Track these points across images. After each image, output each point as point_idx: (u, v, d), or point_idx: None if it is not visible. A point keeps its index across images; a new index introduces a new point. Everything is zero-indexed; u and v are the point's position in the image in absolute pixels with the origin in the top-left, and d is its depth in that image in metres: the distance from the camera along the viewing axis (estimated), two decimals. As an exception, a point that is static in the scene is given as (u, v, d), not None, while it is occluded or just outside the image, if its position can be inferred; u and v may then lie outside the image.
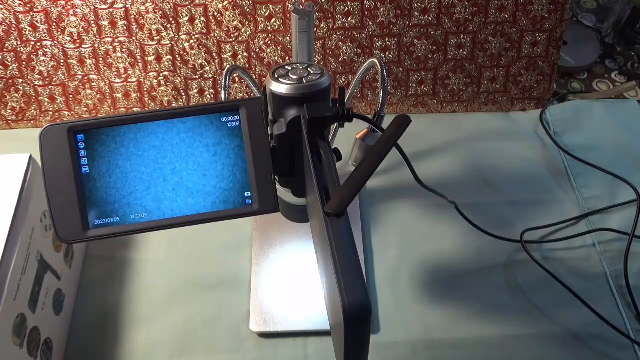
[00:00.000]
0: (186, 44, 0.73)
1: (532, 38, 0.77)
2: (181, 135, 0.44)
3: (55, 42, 0.72)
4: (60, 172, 0.42)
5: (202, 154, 0.44)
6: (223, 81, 0.52)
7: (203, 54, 0.74)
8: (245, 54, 0.75)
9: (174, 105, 0.78)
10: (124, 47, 0.73)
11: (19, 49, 0.73)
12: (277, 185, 0.53)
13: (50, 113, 0.77)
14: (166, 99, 0.77)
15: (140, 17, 0.71)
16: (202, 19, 0.72)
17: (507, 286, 0.64)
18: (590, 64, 0.88)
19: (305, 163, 0.44)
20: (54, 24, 0.71)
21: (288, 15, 0.72)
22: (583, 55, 0.88)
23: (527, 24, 0.76)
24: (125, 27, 0.72)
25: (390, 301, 0.63)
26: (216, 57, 0.75)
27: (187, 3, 0.71)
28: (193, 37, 0.73)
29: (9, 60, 0.73)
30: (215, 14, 0.72)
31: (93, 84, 0.75)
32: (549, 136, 0.78)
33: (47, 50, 0.73)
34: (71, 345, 0.59)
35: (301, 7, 0.52)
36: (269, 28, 0.73)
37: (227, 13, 0.72)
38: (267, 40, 0.74)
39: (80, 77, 0.75)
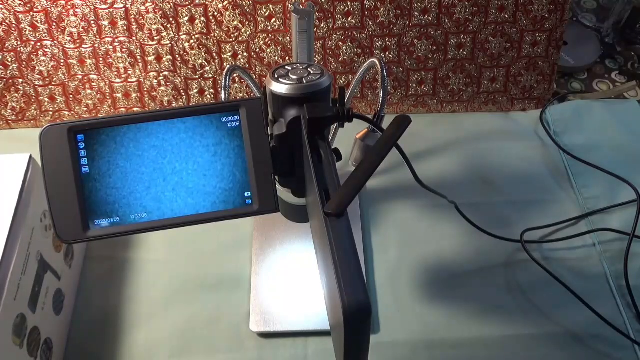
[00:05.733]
0: (186, 44, 0.73)
1: (532, 38, 0.77)
2: (181, 135, 0.44)
3: (55, 42, 0.72)
4: (60, 172, 0.42)
5: (202, 154, 0.44)
6: (223, 81, 0.52)
7: (203, 54, 0.74)
8: (245, 54, 0.75)
9: (174, 105, 0.78)
10: (124, 47, 0.73)
11: (19, 49, 0.73)
12: (277, 185, 0.53)
13: (50, 113, 0.77)
14: (166, 99, 0.77)
15: (140, 17, 0.71)
16: (202, 19, 0.72)
17: (507, 286, 0.64)
18: (590, 64, 0.88)
19: (305, 163, 0.44)
20: (54, 24, 0.71)
21: (288, 15, 0.72)
22: (583, 55, 0.88)
23: (527, 24, 0.76)
24: (125, 27, 0.72)
25: (390, 301, 0.63)
26: (216, 57, 0.75)
27: (187, 3, 0.71)
28: (193, 37, 0.73)
29: (9, 60, 0.73)
30: (215, 14, 0.72)
31: (93, 84, 0.75)
32: (549, 136, 0.78)
33: (47, 50, 0.73)
34: (71, 345, 0.59)
35: (301, 7, 0.52)
36: (269, 28, 0.73)
37: (227, 13, 0.72)
38: (267, 40, 0.74)
39: (80, 77, 0.75)
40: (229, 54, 0.75)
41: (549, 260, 0.66)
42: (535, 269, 0.64)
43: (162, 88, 0.76)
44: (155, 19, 0.72)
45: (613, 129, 0.80)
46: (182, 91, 0.77)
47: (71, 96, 0.76)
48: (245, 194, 0.45)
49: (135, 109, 0.78)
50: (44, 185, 0.42)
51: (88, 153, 0.43)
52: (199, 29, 0.73)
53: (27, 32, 0.72)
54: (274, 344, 0.60)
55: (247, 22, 0.73)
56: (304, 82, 0.46)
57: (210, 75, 0.76)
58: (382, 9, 0.73)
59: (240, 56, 0.75)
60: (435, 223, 0.70)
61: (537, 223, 0.69)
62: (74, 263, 0.63)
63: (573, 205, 0.72)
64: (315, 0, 0.72)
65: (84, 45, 0.73)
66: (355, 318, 0.32)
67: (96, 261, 0.66)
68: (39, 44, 0.72)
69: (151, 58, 0.74)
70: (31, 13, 0.70)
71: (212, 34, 0.73)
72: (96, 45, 0.73)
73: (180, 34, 0.73)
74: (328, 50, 0.75)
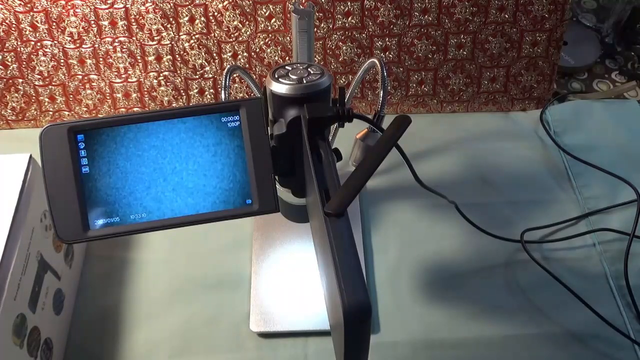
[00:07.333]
0: (186, 44, 0.73)
1: (532, 38, 0.77)
2: (181, 135, 0.44)
3: (55, 42, 0.72)
4: (60, 172, 0.42)
5: (202, 154, 0.44)
6: (223, 81, 0.52)
7: (203, 54, 0.74)
8: (245, 54, 0.75)
9: (174, 105, 0.78)
10: (124, 47, 0.73)
11: (19, 49, 0.73)
12: (277, 185, 0.53)
13: (50, 113, 0.77)
14: (166, 99, 0.77)
15: (140, 17, 0.71)
16: (202, 19, 0.72)
17: (507, 286, 0.64)
18: (590, 64, 0.88)
19: (305, 163, 0.44)
20: (54, 24, 0.71)
21: (288, 15, 0.72)
22: (583, 55, 0.88)
23: (527, 24, 0.76)
24: (125, 27, 0.72)
25: (390, 301, 0.63)
26: (216, 57, 0.75)
27: (187, 3, 0.71)
28: (193, 37, 0.73)
29: (9, 60, 0.73)
30: (215, 14, 0.72)
31: (93, 83, 0.75)
32: (549, 136, 0.78)
33: (47, 50, 0.73)
34: (71, 345, 0.59)
35: (301, 7, 0.52)
36: (269, 28, 0.73)
37: (227, 13, 0.72)
38: (267, 40, 0.74)
39: (80, 77, 0.75)
40: (229, 54, 0.75)
41: (549, 260, 0.66)
42: (535, 269, 0.64)
43: (162, 88, 0.76)
44: (155, 19, 0.72)
45: (613, 129, 0.80)
46: (182, 91, 0.77)
47: (71, 96, 0.76)
48: (245, 194, 0.45)
49: (135, 109, 0.78)
50: (44, 185, 0.42)
51: (88, 153, 0.43)
52: (199, 29, 0.73)
53: (27, 32, 0.72)
54: (274, 344, 0.60)
55: (247, 22, 0.73)
56: (304, 82, 0.46)
57: (210, 75, 0.76)
58: (382, 9, 0.73)
59: (240, 56, 0.75)
60: (435, 223, 0.70)
61: (537, 223, 0.69)
62: (74, 263, 0.63)
63: (573, 205, 0.72)
64: (315, 0, 0.72)
65: (84, 45, 0.73)
66: (355, 318, 0.32)
67: (96, 261, 0.66)
68: (39, 44, 0.72)
69: (151, 58, 0.74)
70: (31, 13, 0.70)
71: (212, 34, 0.73)
72: (96, 45, 0.73)
73: (180, 34, 0.73)
74: (328, 50, 0.75)
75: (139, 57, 0.74)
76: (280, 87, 0.46)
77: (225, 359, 0.59)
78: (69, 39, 0.72)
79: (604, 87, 0.87)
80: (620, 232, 0.68)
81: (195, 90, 0.77)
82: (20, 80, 0.75)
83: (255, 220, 0.68)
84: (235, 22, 0.72)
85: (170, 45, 0.73)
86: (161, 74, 0.75)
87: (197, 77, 0.76)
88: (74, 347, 0.59)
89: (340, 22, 0.74)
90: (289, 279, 0.64)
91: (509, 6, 0.74)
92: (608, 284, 0.65)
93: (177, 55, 0.74)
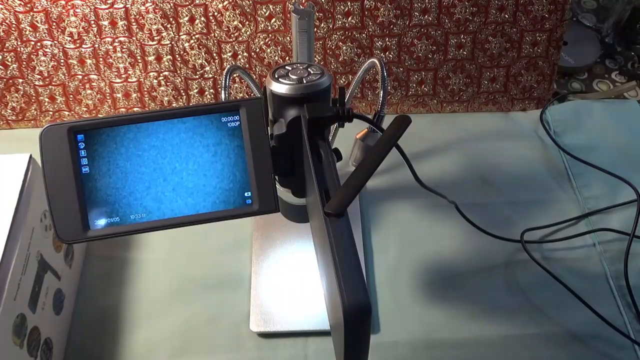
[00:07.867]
0: (186, 44, 0.73)
1: (532, 38, 0.77)
2: (181, 135, 0.44)
3: (55, 42, 0.72)
4: (60, 172, 0.42)
5: (202, 154, 0.44)
6: (223, 81, 0.52)
7: (203, 54, 0.74)
8: (245, 54, 0.75)
9: (174, 105, 0.78)
10: (124, 47, 0.73)
11: (19, 49, 0.73)
12: (277, 185, 0.53)
13: (50, 113, 0.77)
14: (166, 99, 0.77)
15: (140, 17, 0.71)
16: (202, 19, 0.72)
17: (507, 286, 0.64)
18: (590, 64, 0.88)
19: (305, 163, 0.44)
20: (54, 24, 0.71)
21: (288, 15, 0.72)
22: (583, 55, 0.88)
23: (527, 24, 0.76)
24: (125, 27, 0.72)
25: (390, 301, 0.63)
26: (216, 57, 0.75)
27: (187, 3, 0.71)
28: (193, 37, 0.73)
29: (9, 60, 0.73)
30: (215, 14, 0.72)
31: (93, 84, 0.75)
32: (549, 136, 0.78)
33: (47, 50, 0.73)
34: (71, 345, 0.59)
35: (301, 7, 0.52)
36: (269, 28, 0.73)
37: (227, 13, 0.72)
38: (267, 40, 0.74)
39: (80, 77, 0.75)
40: (229, 54, 0.75)
41: (549, 260, 0.66)
42: (535, 269, 0.64)
43: (162, 88, 0.76)
44: (155, 19, 0.72)
45: (613, 129, 0.80)
46: (182, 91, 0.77)
47: (71, 96, 0.76)
48: (245, 194, 0.45)
49: (135, 109, 0.78)
50: (44, 185, 0.42)
51: (88, 153, 0.43)
52: (199, 29, 0.73)
53: (27, 32, 0.72)
54: (274, 344, 0.60)
55: (247, 22, 0.73)
56: (304, 82, 0.46)
57: (210, 75, 0.76)
58: (382, 9, 0.73)
59: (240, 56, 0.75)
60: (435, 223, 0.70)
61: (537, 223, 0.69)
62: (74, 263, 0.63)
63: (573, 205, 0.72)
64: (315, 0, 0.72)
65: (84, 45, 0.73)
66: (355, 318, 0.32)
67: (96, 261, 0.66)
68: (39, 44, 0.72)
69: (151, 58, 0.74)
70: (31, 13, 0.70)
71: (212, 34, 0.73)
72: (96, 45, 0.73)
73: (180, 34, 0.73)
74: (328, 50, 0.75)
75: (139, 57, 0.74)
76: (280, 87, 0.46)
77: (225, 359, 0.59)
78: (69, 39, 0.72)
79: (604, 87, 0.87)
80: (620, 232, 0.68)
81: (195, 90, 0.77)
82: (20, 80, 0.75)
83: (255, 220, 0.68)
84: (235, 22, 0.72)
85: (170, 45, 0.73)
86: (161, 74, 0.75)
87: (197, 77, 0.76)
88: (74, 347, 0.59)
89: (340, 22, 0.74)
90: (289, 279, 0.64)
91: (509, 6, 0.74)
92: (608, 284, 0.65)
93: (177, 55, 0.74)
